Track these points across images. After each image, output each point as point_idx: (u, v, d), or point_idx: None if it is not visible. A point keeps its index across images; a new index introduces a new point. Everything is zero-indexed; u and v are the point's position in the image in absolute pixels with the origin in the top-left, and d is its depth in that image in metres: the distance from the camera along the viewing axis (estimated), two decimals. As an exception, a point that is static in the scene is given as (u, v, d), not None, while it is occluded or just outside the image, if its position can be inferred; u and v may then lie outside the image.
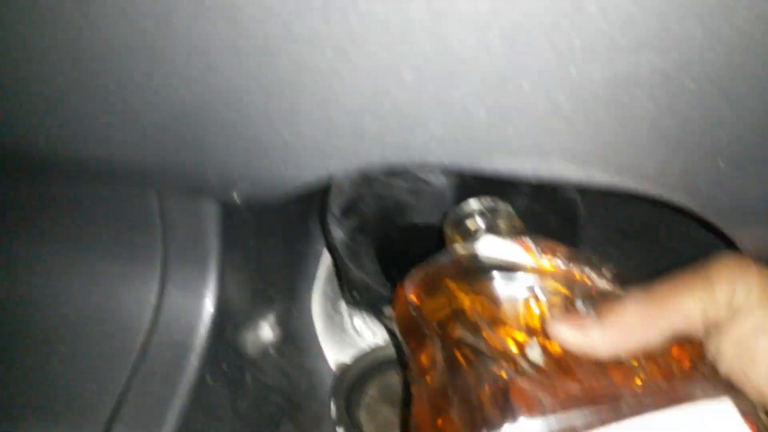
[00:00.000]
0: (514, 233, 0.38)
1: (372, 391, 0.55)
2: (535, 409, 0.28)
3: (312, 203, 0.57)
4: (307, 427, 0.51)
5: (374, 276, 0.52)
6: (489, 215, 0.39)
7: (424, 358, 0.35)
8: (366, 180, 0.54)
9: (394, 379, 0.55)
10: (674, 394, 0.29)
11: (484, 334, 0.33)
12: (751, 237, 0.34)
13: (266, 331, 0.52)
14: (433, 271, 0.37)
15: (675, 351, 0.34)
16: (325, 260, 0.62)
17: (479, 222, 0.39)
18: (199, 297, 0.44)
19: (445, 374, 0.32)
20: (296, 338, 0.57)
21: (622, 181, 0.31)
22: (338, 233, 0.52)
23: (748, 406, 0.30)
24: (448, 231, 0.43)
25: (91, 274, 0.45)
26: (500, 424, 0.28)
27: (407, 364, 0.35)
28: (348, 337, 0.62)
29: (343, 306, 0.63)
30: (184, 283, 0.44)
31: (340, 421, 0.50)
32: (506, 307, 0.35)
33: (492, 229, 0.39)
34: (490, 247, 0.37)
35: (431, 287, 0.37)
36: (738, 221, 0.33)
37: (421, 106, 0.31)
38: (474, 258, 0.37)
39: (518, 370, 0.31)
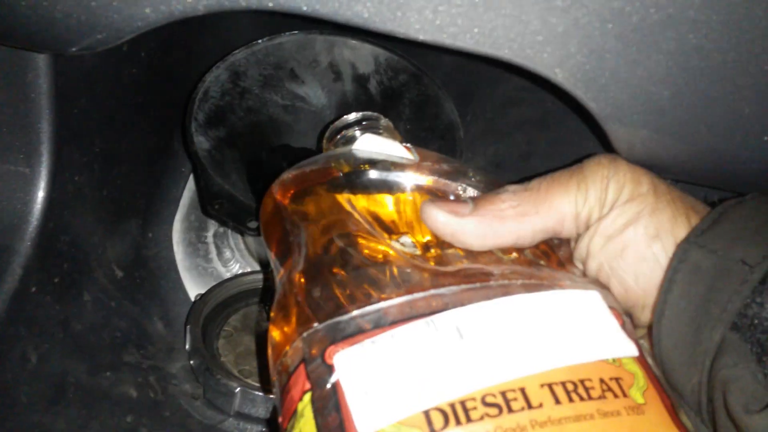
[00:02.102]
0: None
1: (234, 320, 0.50)
2: (401, 288, 0.26)
3: (175, 117, 0.52)
4: (157, 357, 0.45)
5: (240, 190, 0.48)
6: (368, 125, 0.37)
7: (288, 259, 0.31)
8: (238, 89, 0.49)
9: (257, 308, 0.51)
10: (545, 281, 0.28)
11: (355, 229, 0.30)
12: (628, 138, 0.33)
13: (114, 252, 0.46)
14: (305, 169, 0.34)
15: (545, 250, 0.33)
16: (192, 184, 0.57)
17: (358, 134, 0.37)
18: (25, 200, 0.37)
19: (311, 269, 0.29)
20: (150, 264, 0.51)
21: (508, 54, 0.29)
22: (201, 141, 0.47)
23: (614, 302, 0.30)
24: (326, 144, 0.40)
25: None
26: (366, 301, 0.26)
27: (272, 288, 0.32)
28: (213, 269, 0.57)
29: (209, 236, 0.58)
30: (8, 178, 0.37)
31: (194, 351, 0.45)
32: (379, 202, 0.33)
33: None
34: (367, 144, 0.34)
35: (302, 185, 0.34)
36: (619, 119, 0.32)
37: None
38: (349, 154, 0.34)
39: (388, 260, 0.29)
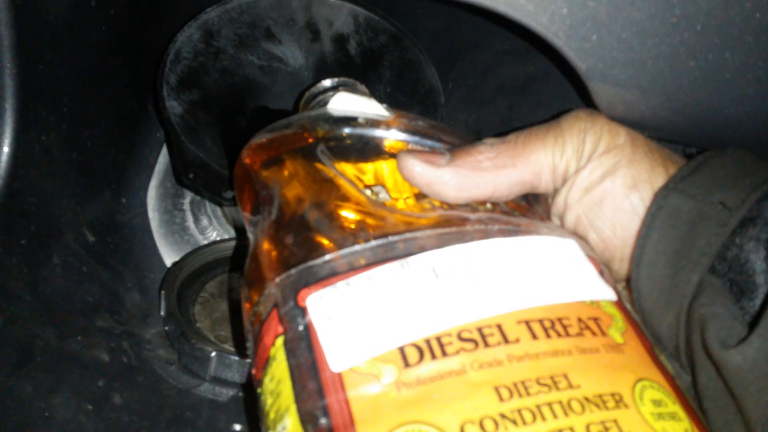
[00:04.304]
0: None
1: (210, 287, 0.49)
2: (376, 231, 0.26)
3: (148, 80, 0.50)
4: (130, 323, 0.44)
5: (215, 157, 0.46)
6: (345, 90, 0.36)
7: (260, 213, 0.31)
8: (212, 50, 0.48)
9: (234, 275, 0.50)
10: (523, 228, 0.28)
11: (330, 183, 0.29)
12: (609, 94, 0.32)
13: (86, 216, 0.45)
14: (278, 131, 0.33)
15: (521, 205, 0.32)
16: (167, 150, 0.55)
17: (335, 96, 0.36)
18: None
19: (283, 218, 0.29)
20: (124, 230, 0.50)
21: (490, 2, 0.28)
22: (174, 106, 0.45)
23: (592, 252, 0.29)
24: (302, 110, 0.39)
25: None
26: (339, 245, 0.25)
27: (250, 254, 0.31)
28: (190, 236, 0.56)
29: (186, 203, 0.56)
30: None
31: (169, 316, 0.44)
32: (355, 158, 0.32)
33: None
34: (342, 102, 0.34)
35: (275, 147, 0.33)
36: (601, 73, 0.31)
37: None
38: (324, 112, 0.33)
39: (363, 207, 0.28)
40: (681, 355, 0.28)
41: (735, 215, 0.26)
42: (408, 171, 0.29)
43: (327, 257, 0.25)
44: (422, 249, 0.25)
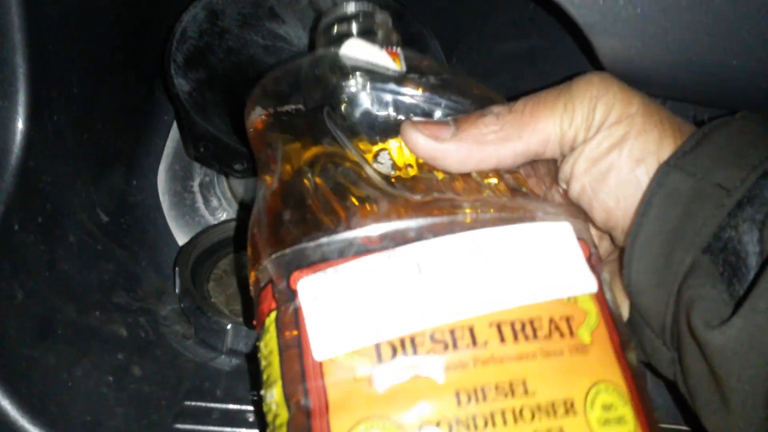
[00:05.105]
0: (389, 45, 0.34)
1: (224, 264, 0.50)
2: (369, 218, 0.26)
3: (155, 63, 0.51)
4: (146, 300, 0.45)
5: (223, 133, 0.47)
6: (364, 21, 0.35)
7: (265, 176, 0.31)
8: (216, 29, 0.48)
9: (244, 253, 0.51)
10: (516, 213, 0.28)
11: (330, 150, 0.30)
12: (613, 51, 0.33)
13: (99, 197, 0.46)
14: (282, 84, 0.33)
15: (527, 172, 0.32)
16: (174, 134, 0.56)
17: (353, 27, 0.35)
18: (5, 134, 0.36)
19: (284, 190, 0.29)
20: (137, 211, 0.51)
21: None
22: (182, 83, 0.46)
23: (586, 233, 0.30)
24: (317, 36, 0.37)
25: None
26: (333, 229, 0.26)
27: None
28: (201, 217, 0.56)
29: (195, 186, 0.57)
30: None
31: (184, 293, 0.45)
32: (361, 117, 0.32)
33: (365, 34, 0.35)
34: (354, 50, 0.33)
35: (279, 102, 0.33)
36: (605, 29, 0.32)
37: None
38: (335, 60, 0.33)
39: (363, 179, 0.28)
40: (666, 333, 0.28)
41: (732, 196, 0.26)
42: (412, 143, 0.29)
43: (321, 241, 0.26)
44: (411, 239, 0.25)
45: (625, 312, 0.31)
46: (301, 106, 0.31)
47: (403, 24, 0.51)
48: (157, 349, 0.42)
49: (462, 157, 0.29)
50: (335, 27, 0.35)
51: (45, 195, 0.40)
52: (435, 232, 0.26)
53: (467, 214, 0.27)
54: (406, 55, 0.33)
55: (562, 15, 0.32)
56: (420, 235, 0.26)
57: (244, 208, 0.56)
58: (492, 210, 0.27)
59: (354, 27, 0.35)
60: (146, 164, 0.54)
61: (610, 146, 0.29)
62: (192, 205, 0.56)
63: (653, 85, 0.36)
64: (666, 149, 0.28)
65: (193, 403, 0.38)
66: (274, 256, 0.27)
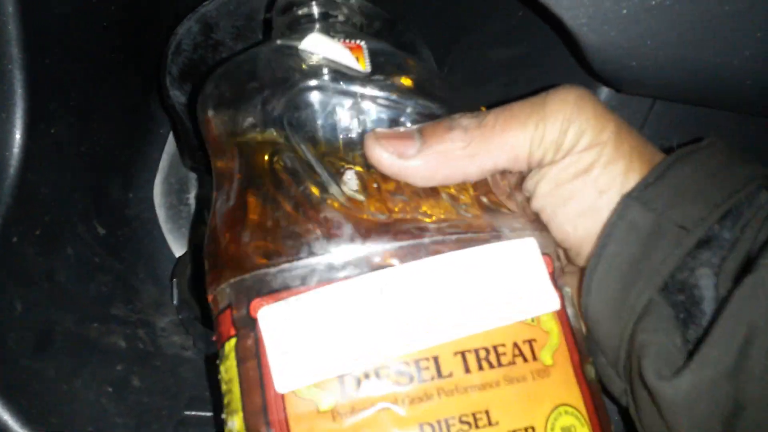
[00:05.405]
0: (351, 33, 0.33)
1: (221, 274, 0.50)
2: (331, 244, 0.25)
3: (150, 77, 0.51)
4: (144, 312, 0.45)
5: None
6: (325, 6, 0.34)
7: (221, 188, 0.30)
8: (210, 42, 0.49)
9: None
10: (482, 233, 0.27)
11: (290, 165, 0.28)
12: (602, 50, 0.33)
13: (96, 209, 0.46)
14: (240, 79, 0.31)
15: (492, 180, 0.31)
16: (170, 147, 0.56)
17: (314, 9, 0.33)
18: (3, 145, 0.37)
19: (241, 209, 0.28)
20: (134, 224, 0.51)
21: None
22: (177, 95, 0.46)
23: (550, 247, 0.29)
24: (275, 18, 0.35)
25: None
26: (295, 254, 0.25)
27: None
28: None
29: (191, 198, 0.57)
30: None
31: (182, 304, 0.45)
32: (323, 126, 0.30)
33: (326, 19, 0.34)
34: (315, 47, 0.30)
35: (234, 104, 0.30)
36: (592, 27, 0.32)
37: None
38: (294, 61, 0.30)
39: (327, 199, 0.27)
40: (619, 366, 0.28)
41: (691, 236, 0.25)
42: (375, 160, 0.28)
43: (282, 267, 0.25)
44: (375, 266, 0.25)
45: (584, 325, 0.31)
46: (258, 114, 0.29)
47: (396, 34, 0.52)
48: (156, 359, 0.42)
49: (428, 173, 0.28)
50: (294, 8, 0.33)
51: (43, 207, 0.40)
52: (399, 257, 0.25)
53: (432, 236, 0.26)
54: (370, 48, 0.32)
55: (554, 20, 0.32)
56: (384, 260, 0.25)
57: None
58: (457, 229, 0.27)
59: (315, 8, 0.33)
60: (142, 177, 0.54)
61: (576, 173, 0.29)
62: (188, 218, 0.56)
63: (642, 86, 0.37)
64: (631, 181, 0.28)
65: (193, 413, 0.38)
66: (233, 280, 0.26)
